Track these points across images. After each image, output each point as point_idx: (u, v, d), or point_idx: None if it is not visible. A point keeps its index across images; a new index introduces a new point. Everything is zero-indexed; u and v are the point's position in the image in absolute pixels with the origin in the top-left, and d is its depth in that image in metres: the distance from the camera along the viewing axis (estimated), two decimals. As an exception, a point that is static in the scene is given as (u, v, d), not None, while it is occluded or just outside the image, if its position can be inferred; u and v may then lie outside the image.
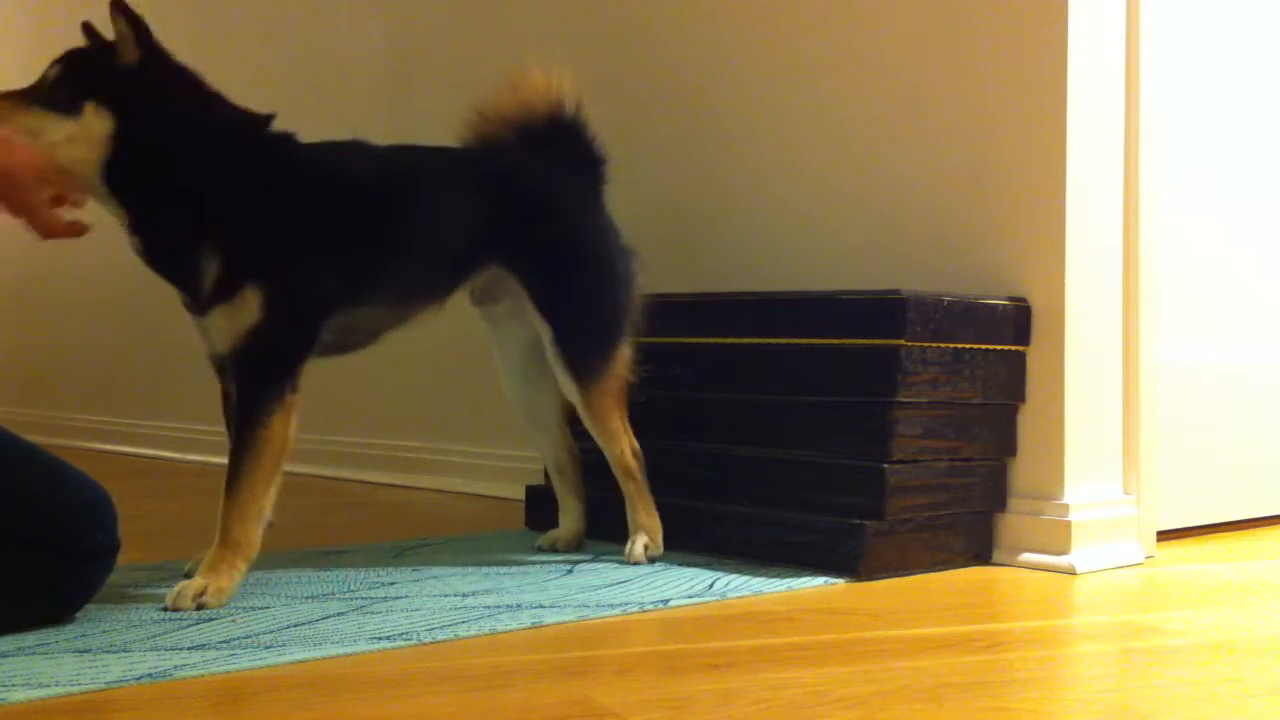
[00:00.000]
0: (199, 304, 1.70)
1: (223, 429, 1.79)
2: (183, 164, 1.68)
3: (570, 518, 2.15)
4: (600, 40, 2.71)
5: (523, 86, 2.05)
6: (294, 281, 1.72)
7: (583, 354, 1.98)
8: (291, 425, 1.70)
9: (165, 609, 1.57)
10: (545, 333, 1.97)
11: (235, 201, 1.69)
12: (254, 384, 1.70)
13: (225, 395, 1.79)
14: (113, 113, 1.64)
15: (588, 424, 2.01)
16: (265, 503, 1.69)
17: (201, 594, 1.59)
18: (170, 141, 1.68)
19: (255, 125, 1.76)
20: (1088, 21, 2.04)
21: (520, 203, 1.97)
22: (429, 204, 1.91)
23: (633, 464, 2.03)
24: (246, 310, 1.67)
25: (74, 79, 1.65)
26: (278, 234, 1.72)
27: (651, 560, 1.98)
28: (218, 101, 1.74)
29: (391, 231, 1.84)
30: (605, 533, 2.19)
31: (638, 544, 2.00)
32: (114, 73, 1.65)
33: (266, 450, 1.67)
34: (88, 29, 1.72)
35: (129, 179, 1.66)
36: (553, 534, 2.14)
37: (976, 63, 2.12)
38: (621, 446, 2.02)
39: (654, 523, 2.03)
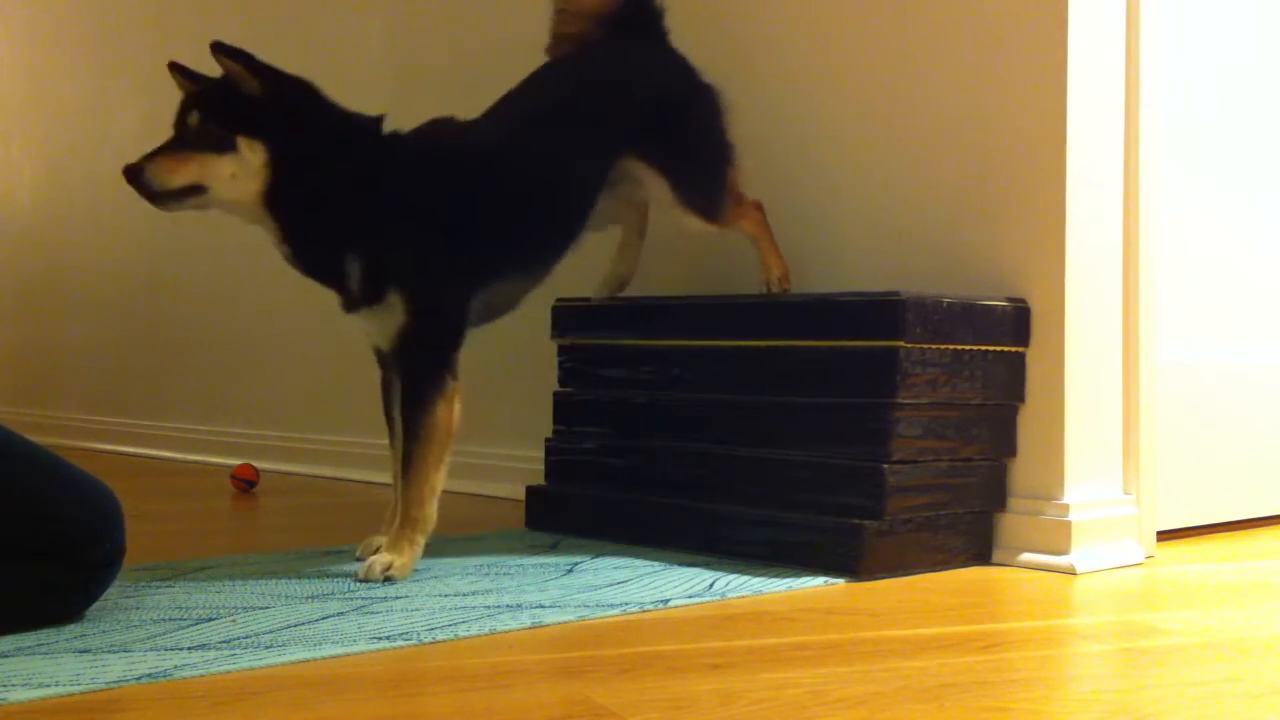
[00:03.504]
0: (349, 304, 1.87)
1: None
2: (324, 176, 1.82)
3: None
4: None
5: None
6: (432, 283, 1.87)
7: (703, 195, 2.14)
8: (455, 410, 1.87)
9: (359, 580, 1.76)
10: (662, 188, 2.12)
11: (368, 209, 1.83)
12: (415, 376, 1.87)
13: (384, 384, 1.97)
14: (262, 142, 1.78)
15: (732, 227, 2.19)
16: (437, 481, 1.86)
17: (389, 568, 1.79)
18: (313, 156, 1.82)
19: (371, 129, 1.89)
20: (1088, 21, 2.04)
21: (641, 98, 2.11)
22: (548, 150, 2.01)
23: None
24: (394, 313, 1.84)
25: (216, 119, 1.78)
26: (410, 239, 1.85)
27: None
28: (336, 110, 1.88)
29: (515, 201, 1.96)
30: (605, 533, 2.20)
31: None
32: (247, 104, 1.79)
33: (434, 435, 1.85)
34: (176, 67, 1.83)
35: (281, 198, 1.80)
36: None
37: (976, 62, 2.12)
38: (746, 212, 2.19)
39: None
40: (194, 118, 1.79)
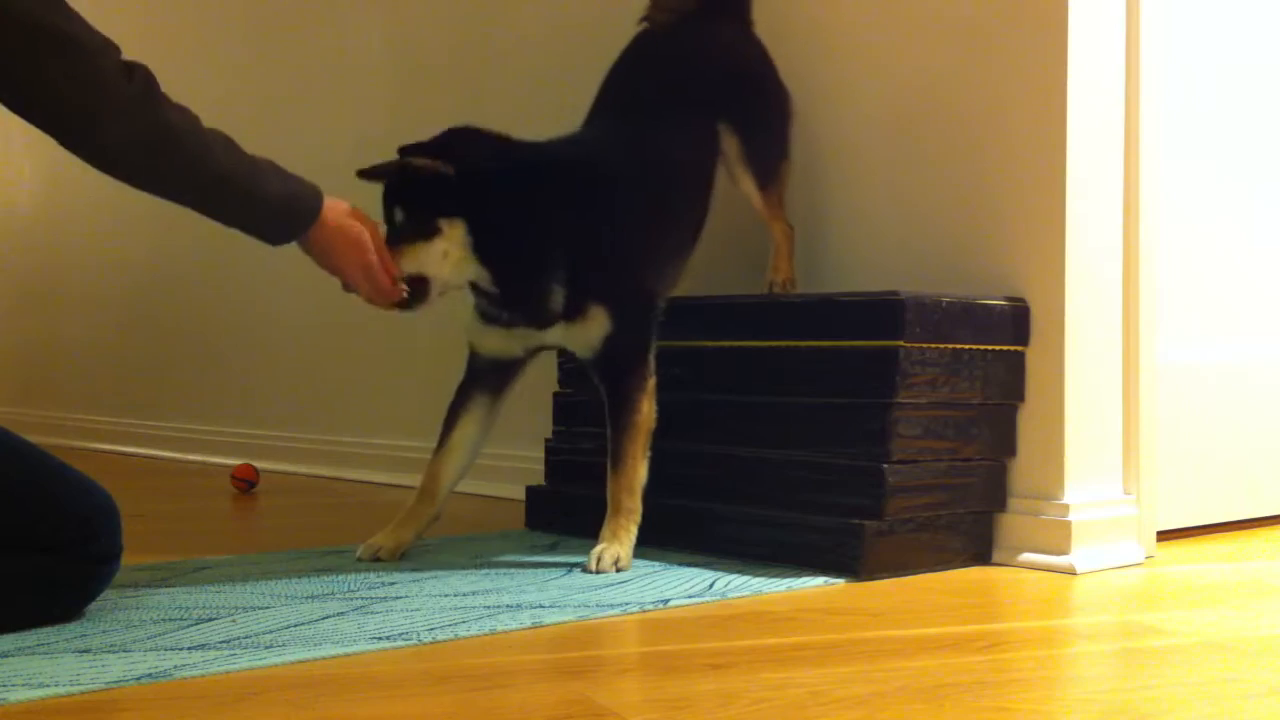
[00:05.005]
0: (540, 323, 1.96)
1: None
2: (520, 225, 1.92)
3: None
4: (602, 44, 2.71)
5: None
6: (628, 288, 1.98)
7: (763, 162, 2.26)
8: (654, 405, 1.97)
9: (589, 571, 1.86)
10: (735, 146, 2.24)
11: (556, 235, 1.93)
12: (620, 377, 1.97)
13: (463, 393, 2.05)
14: (460, 217, 1.88)
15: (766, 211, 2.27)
16: (643, 472, 1.95)
17: (617, 560, 1.89)
18: (508, 212, 1.91)
19: (543, 156, 1.98)
20: (1088, 21, 2.04)
21: (732, 72, 2.27)
22: (676, 136, 2.15)
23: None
24: (597, 324, 1.94)
25: (419, 208, 1.88)
26: (601, 253, 1.96)
27: None
28: (515, 150, 1.97)
29: (667, 187, 2.12)
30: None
31: None
32: (442, 187, 1.87)
33: (641, 428, 1.95)
34: (365, 173, 1.90)
35: (488, 258, 1.90)
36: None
37: (976, 63, 2.12)
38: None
39: None
40: (398, 213, 1.88)
